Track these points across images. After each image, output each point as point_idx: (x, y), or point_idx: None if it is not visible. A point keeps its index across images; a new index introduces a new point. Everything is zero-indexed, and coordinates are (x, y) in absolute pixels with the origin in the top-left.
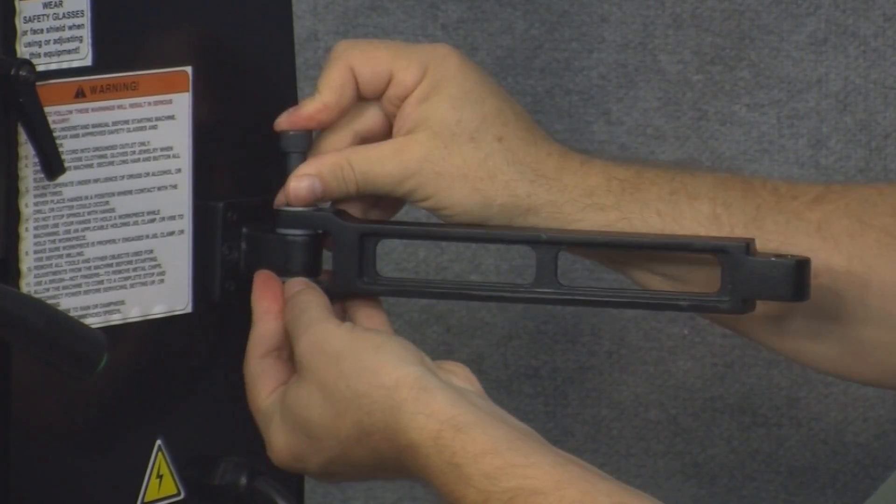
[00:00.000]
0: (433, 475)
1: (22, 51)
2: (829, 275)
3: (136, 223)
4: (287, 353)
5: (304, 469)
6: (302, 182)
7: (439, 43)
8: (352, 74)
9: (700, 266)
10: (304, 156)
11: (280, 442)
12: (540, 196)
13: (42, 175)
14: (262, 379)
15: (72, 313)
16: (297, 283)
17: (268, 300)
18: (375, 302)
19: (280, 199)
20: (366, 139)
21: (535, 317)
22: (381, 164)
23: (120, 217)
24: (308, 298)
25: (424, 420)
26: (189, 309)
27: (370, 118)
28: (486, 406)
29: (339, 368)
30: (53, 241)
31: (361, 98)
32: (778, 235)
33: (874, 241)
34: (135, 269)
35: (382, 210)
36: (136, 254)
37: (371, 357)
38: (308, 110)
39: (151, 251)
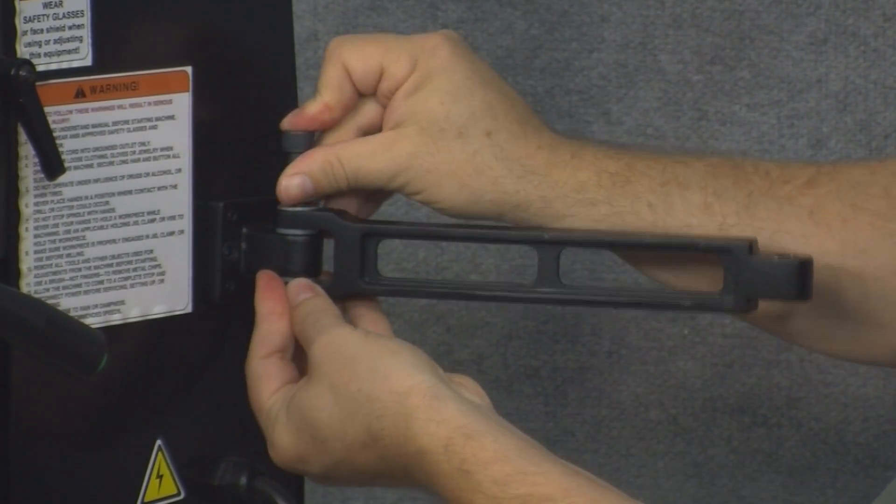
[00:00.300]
0: (441, 482)
1: (22, 51)
2: (823, 260)
3: (136, 223)
4: (291, 354)
5: (305, 470)
6: (292, 181)
7: (433, 33)
8: (346, 71)
9: (707, 260)
10: None
11: (284, 442)
12: (529, 192)
13: (42, 175)
14: (266, 378)
15: (72, 313)
16: (303, 287)
17: (272, 301)
18: (377, 305)
19: None
20: (368, 133)
21: (535, 317)
22: (371, 160)
23: (120, 217)
24: (321, 305)
25: (435, 427)
26: (189, 309)
27: (369, 112)
28: (497, 418)
29: (353, 371)
30: (53, 241)
31: (360, 94)
32: (770, 222)
33: (867, 225)
34: (135, 269)
35: (377, 202)
36: (136, 254)
37: (386, 362)
38: (311, 112)
39: (151, 251)
